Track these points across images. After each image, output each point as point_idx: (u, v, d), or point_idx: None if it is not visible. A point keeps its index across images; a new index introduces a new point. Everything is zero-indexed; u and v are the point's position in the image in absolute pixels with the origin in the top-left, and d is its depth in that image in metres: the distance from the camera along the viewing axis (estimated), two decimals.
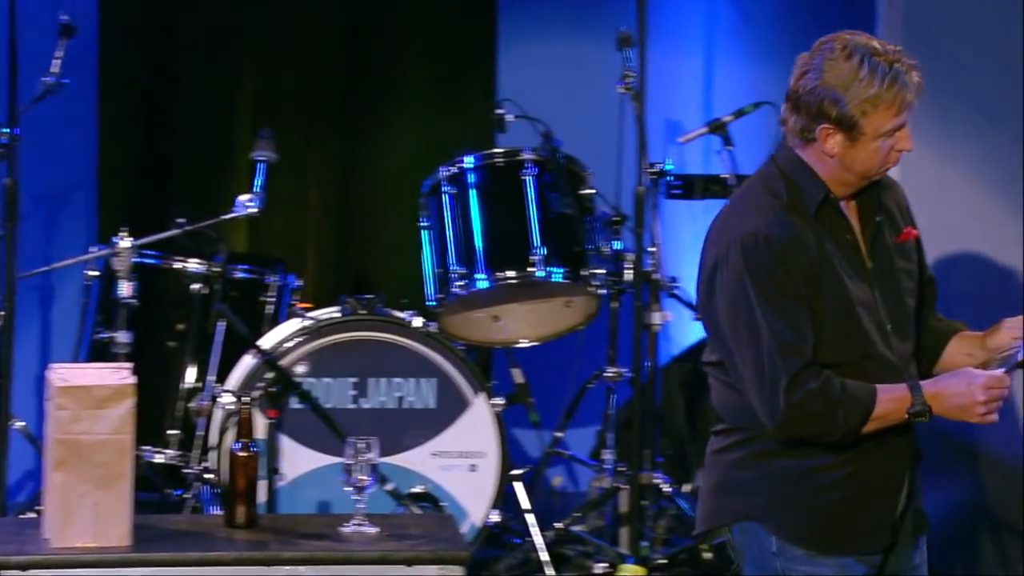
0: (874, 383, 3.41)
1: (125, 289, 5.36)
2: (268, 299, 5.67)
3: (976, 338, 3.59)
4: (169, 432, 5.58)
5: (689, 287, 5.91)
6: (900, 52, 3.39)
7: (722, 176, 5.98)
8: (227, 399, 5.31)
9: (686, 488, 5.89)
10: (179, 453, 5.57)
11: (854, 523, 3.48)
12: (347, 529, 3.78)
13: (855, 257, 3.49)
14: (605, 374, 5.83)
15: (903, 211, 3.59)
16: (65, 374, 3.67)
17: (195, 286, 5.60)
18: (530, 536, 5.45)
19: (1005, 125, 5.63)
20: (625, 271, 5.70)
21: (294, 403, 5.34)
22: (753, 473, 3.49)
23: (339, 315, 5.46)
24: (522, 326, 5.74)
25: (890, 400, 3.39)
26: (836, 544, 3.47)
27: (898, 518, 3.51)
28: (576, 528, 5.71)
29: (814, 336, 3.39)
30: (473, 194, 5.62)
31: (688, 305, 5.87)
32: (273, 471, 5.26)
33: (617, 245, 5.74)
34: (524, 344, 5.72)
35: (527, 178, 5.60)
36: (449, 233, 5.60)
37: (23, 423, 5.62)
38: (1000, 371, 3.38)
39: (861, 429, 3.39)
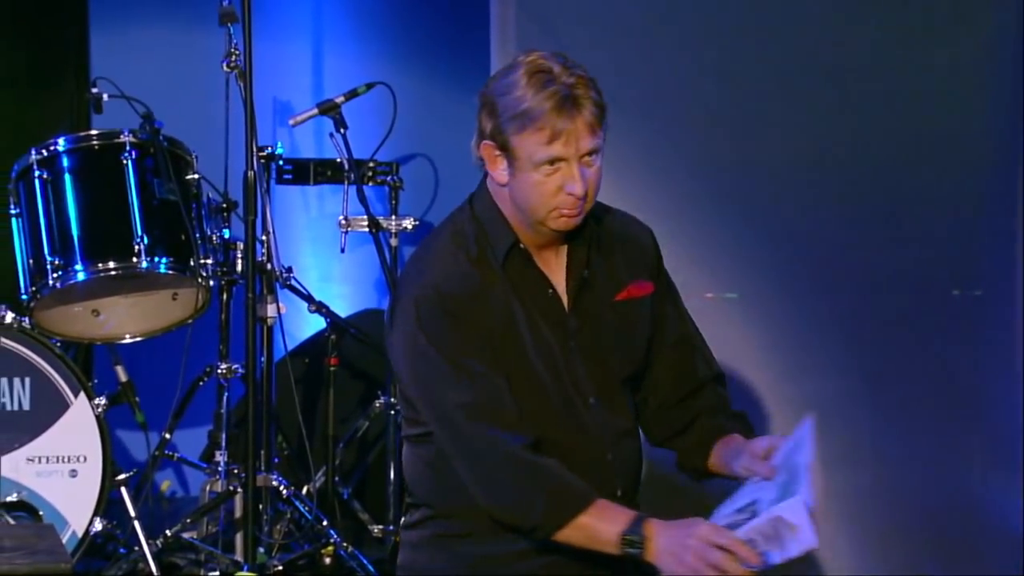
0: (566, 461, 3.10)
1: None
2: None
3: (743, 444, 3.30)
4: None
5: (304, 277, 5.87)
6: (584, 79, 3.12)
7: (336, 160, 5.89)
8: None
9: (305, 490, 5.79)
10: None
11: None
12: None
13: (554, 315, 3.21)
14: (217, 370, 5.68)
15: (636, 263, 3.31)
16: None
17: None
18: (138, 545, 5.29)
19: (623, 113, 5.59)
20: (236, 261, 5.58)
21: None
22: (433, 555, 3.22)
23: None
24: (125, 320, 5.54)
25: (604, 513, 3.04)
26: None
27: None
28: (187, 535, 5.54)
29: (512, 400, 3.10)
30: (68, 179, 5.42)
31: (304, 296, 5.76)
32: None
33: (227, 233, 5.61)
34: (128, 340, 5.51)
35: (127, 162, 5.41)
36: (42, 221, 5.39)
37: None
38: (736, 532, 3.01)
39: (557, 531, 3.04)
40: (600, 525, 3.03)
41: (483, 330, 3.13)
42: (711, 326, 5.54)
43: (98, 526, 5.20)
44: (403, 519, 3.29)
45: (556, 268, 3.25)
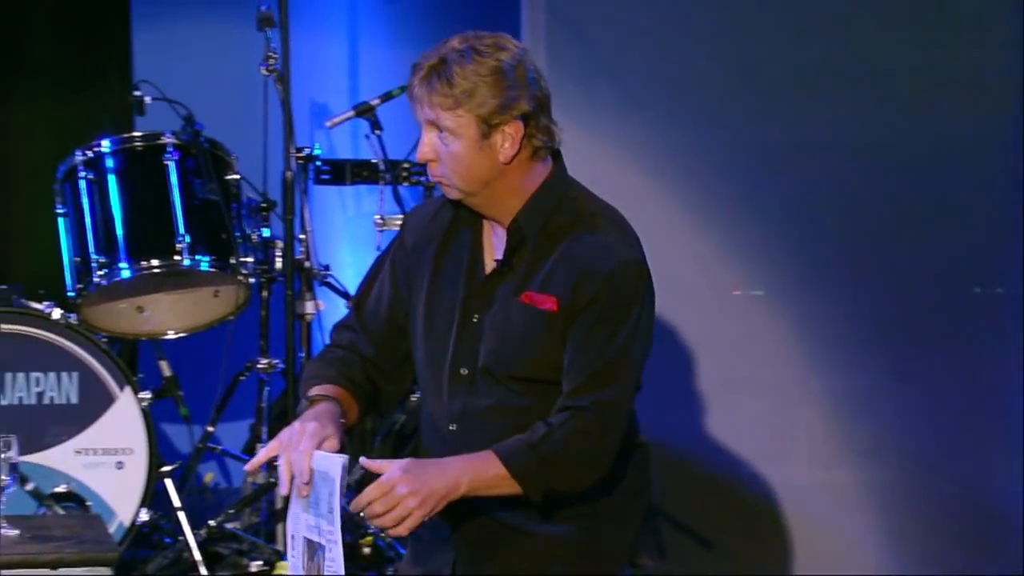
0: (429, 413, 3.45)
1: None
2: None
3: None
4: None
5: (341, 274, 5.91)
6: (440, 57, 3.29)
7: (372, 161, 5.95)
8: None
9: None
10: None
11: None
12: None
13: (460, 286, 3.40)
14: (257, 366, 5.75)
15: (567, 283, 3.29)
16: None
17: None
18: (182, 535, 5.33)
19: (652, 113, 5.70)
20: (275, 259, 5.62)
21: None
22: None
23: None
24: (169, 317, 5.60)
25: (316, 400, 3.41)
26: None
27: None
28: (230, 525, 5.59)
29: None
30: (112, 179, 5.45)
31: (341, 293, 5.81)
32: None
33: (266, 232, 5.65)
34: (171, 335, 5.59)
35: (169, 163, 5.45)
36: (88, 220, 5.42)
37: None
38: None
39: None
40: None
41: (411, 263, 3.41)
42: (738, 323, 5.68)
43: (144, 516, 5.23)
44: None
45: (488, 247, 3.40)
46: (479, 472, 3.22)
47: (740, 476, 5.69)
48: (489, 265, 3.37)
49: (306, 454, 3.20)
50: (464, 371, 3.34)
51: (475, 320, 3.34)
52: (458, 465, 3.23)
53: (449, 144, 3.29)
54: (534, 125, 3.31)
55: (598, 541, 3.38)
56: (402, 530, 3.16)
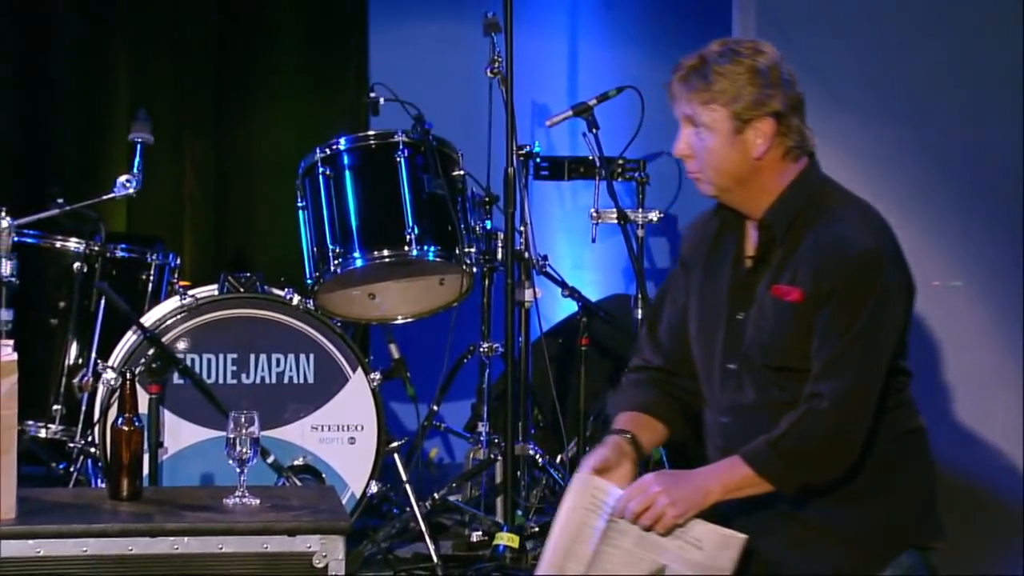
0: (707, 404, 3.55)
1: (5, 268, 5.14)
2: (148, 277, 5.69)
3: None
4: (53, 407, 5.58)
5: (558, 264, 6.01)
6: (700, 56, 3.37)
7: (589, 158, 6.03)
8: (110, 375, 5.26)
9: (559, 459, 5.94)
10: (63, 428, 5.57)
11: None
12: (230, 501, 3.76)
13: (725, 283, 3.51)
14: (479, 349, 5.89)
15: (811, 272, 3.34)
16: None
17: (76, 264, 5.59)
18: (409, 506, 5.47)
19: (856, 111, 5.69)
20: (497, 249, 5.75)
21: (176, 379, 5.30)
22: None
23: (218, 293, 5.43)
24: (398, 303, 5.76)
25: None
26: None
27: None
28: (453, 498, 5.75)
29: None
30: (348, 175, 5.61)
31: (558, 282, 5.92)
32: (157, 445, 5.19)
33: (488, 224, 5.79)
34: (400, 320, 5.74)
35: (400, 160, 5.59)
36: (325, 213, 5.58)
37: None
38: None
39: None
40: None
41: (688, 273, 3.53)
42: (937, 313, 5.69)
43: (374, 488, 5.35)
44: None
45: (749, 246, 3.48)
46: (728, 476, 3.31)
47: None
48: (748, 263, 3.46)
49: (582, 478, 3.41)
50: (731, 366, 3.43)
51: (739, 317, 3.41)
52: (708, 472, 3.34)
53: (704, 139, 3.35)
54: (786, 124, 3.35)
55: (872, 527, 3.40)
56: (660, 528, 3.27)
